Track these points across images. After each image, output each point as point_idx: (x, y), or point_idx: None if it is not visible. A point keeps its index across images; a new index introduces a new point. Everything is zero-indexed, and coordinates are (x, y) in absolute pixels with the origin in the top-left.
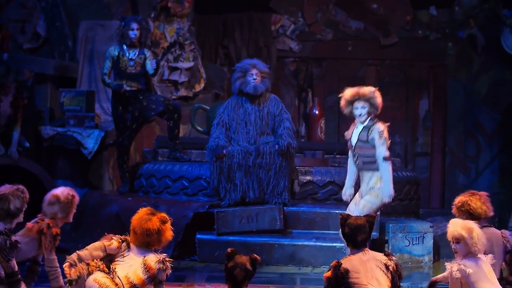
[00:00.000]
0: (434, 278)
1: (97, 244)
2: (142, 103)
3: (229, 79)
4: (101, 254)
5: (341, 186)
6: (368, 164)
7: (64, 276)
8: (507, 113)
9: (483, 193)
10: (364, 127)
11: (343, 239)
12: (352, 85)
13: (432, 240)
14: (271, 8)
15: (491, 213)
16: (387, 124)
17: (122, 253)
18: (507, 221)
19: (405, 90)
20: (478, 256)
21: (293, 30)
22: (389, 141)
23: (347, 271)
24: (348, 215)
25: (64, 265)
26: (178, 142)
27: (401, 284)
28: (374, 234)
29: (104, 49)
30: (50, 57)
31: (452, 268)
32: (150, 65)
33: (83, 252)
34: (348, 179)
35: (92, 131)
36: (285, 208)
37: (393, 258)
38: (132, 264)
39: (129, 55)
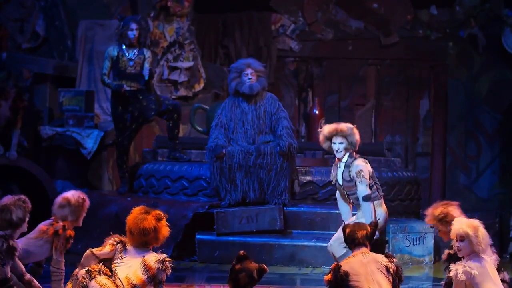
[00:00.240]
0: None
1: (85, 254)
2: (141, 103)
3: None
4: (93, 262)
5: None
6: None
7: (65, 282)
8: (508, 113)
9: (455, 203)
10: (345, 165)
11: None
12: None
13: (433, 241)
14: (271, 7)
15: None
16: (365, 159)
17: (120, 255)
18: (508, 221)
19: (405, 89)
20: (482, 255)
21: (293, 29)
22: (370, 181)
23: (347, 274)
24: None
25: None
26: (177, 142)
27: (401, 285)
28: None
29: (104, 48)
30: (49, 57)
31: (458, 270)
32: (144, 71)
33: (78, 269)
34: (344, 219)
35: (91, 131)
36: (285, 208)
37: (394, 260)
38: (132, 265)
39: (128, 55)
